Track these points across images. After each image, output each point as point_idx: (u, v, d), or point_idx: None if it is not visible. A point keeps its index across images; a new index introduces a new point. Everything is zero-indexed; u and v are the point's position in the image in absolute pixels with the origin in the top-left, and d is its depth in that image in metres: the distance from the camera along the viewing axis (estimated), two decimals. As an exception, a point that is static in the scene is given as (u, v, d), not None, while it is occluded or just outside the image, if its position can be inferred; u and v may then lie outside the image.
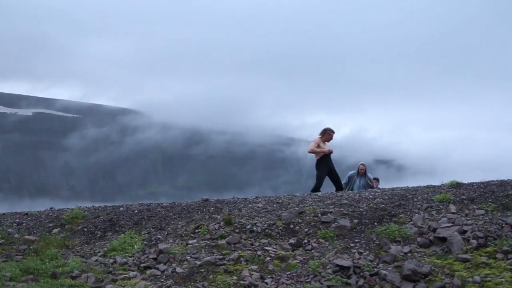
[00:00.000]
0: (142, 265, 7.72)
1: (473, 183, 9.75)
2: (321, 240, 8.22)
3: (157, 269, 7.58)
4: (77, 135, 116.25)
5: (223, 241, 8.16)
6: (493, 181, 9.70)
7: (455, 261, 7.30)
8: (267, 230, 8.48)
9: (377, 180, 15.42)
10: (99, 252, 8.34)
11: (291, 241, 8.19)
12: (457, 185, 9.71)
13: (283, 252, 7.84)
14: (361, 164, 14.89)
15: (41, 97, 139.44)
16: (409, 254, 7.63)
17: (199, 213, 9.43)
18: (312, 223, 8.61)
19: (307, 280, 7.10)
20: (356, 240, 8.12)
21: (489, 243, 7.55)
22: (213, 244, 8.13)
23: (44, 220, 9.95)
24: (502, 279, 6.77)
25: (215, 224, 8.70)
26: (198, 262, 7.56)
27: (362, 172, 14.60)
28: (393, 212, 8.78)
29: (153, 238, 8.66)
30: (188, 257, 7.75)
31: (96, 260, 8.00)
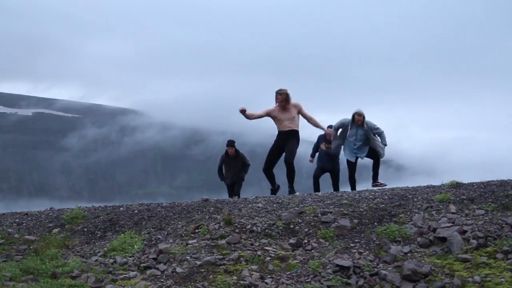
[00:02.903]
0: (142, 265, 7.72)
1: (473, 183, 9.75)
2: (321, 240, 8.22)
3: (157, 269, 7.58)
4: (77, 135, 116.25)
5: (223, 241, 8.16)
6: (493, 181, 9.69)
7: (455, 261, 7.30)
8: (267, 230, 8.48)
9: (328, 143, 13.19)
10: (99, 252, 8.34)
11: (291, 241, 8.19)
12: (457, 185, 9.71)
13: (283, 252, 7.84)
14: (357, 114, 12.30)
15: (41, 97, 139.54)
16: (409, 254, 7.63)
17: (199, 213, 9.43)
18: (312, 223, 8.61)
19: (307, 280, 7.10)
20: (356, 240, 8.12)
21: (489, 243, 7.54)
22: (213, 244, 8.13)
23: (44, 220, 9.95)
24: (502, 279, 6.77)
25: (215, 224, 8.70)
26: (198, 262, 7.56)
27: (359, 124, 12.31)
28: (393, 212, 8.78)
29: (153, 238, 8.66)
30: (188, 257, 7.75)
31: (96, 260, 8.00)
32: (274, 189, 11.88)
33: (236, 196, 13.55)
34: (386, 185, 12.32)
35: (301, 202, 9.47)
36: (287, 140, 11.48)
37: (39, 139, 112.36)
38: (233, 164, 13.80)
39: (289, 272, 7.32)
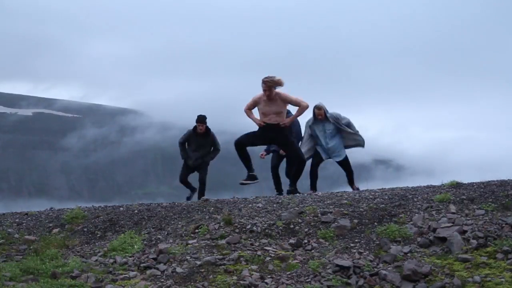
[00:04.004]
0: (142, 265, 7.72)
1: (473, 183, 9.74)
2: (321, 240, 8.22)
3: (157, 269, 7.58)
4: (77, 135, 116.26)
5: (223, 241, 8.16)
6: (493, 181, 9.68)
7: (455, 261, 7.30)
8: (267, 230, 8.48)
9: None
10: (99, 252, 8.34)
11: (291, 241, 8.18)
12: (457, 185, 9.71)
13: (283, 252, 7.84)
14: (316, 108, 11.17)
15: (41, 97, 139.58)
16: (409, 254, 7.63)
17: (199, 213, 9.43)
18: (312, 223, 8.60)
19: (307, 280, 7.11)
20: (356, 240, 8.12)
21: (489, 243, 7.55)
22: (213, 244, 8.13)
23: (44, 220, 9.95)
24: (502, 279, 6.77)
25: (215, 224, 8.70)
26: (198, 262, 7.56)
27: (320, 118, 11.22)
28: (393, 212, 8.78)
29: (153, 238, 8.66)
30: (188, 257, 7.75)
31: (96, 260, 8.00)
32: (254, 175, 10.65)
33: (200, 183, 12.55)
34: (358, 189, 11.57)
35: (301, 202, 9.47)
36: (275, 133, 10.37)
37: (39, 139, 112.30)
38: (201, 143, 12.38)
39: (289, 272, 7.32)
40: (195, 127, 12.39)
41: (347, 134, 11.46)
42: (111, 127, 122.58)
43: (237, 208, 9.38)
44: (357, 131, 11.50)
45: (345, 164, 11.74)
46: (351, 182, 11.98)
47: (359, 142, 11.59)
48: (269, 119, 10.39)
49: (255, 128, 10.79)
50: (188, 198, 12.37)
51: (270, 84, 10.08)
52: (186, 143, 12.66)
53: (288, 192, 11.10)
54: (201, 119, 12.30)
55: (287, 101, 10.37)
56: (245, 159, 10.63)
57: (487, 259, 7.24)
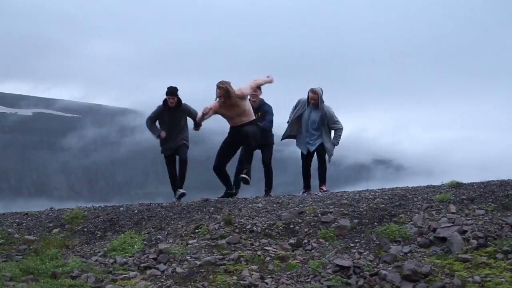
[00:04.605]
0: (142, 265, 7.72)
1: (473, 183, 9.74)
2: (321, 240, 8.22)
3: (157, 269, 7.58)
4: (77, 135, 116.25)
5: (223, 241, 8.16)
6: (493, 181, 9.68)
7: (455, 261, 7.31)
8: (267, 230, 8.48)
9: None
10: (99, 252, 8.34)
11: (291, 241, 8.19)
12: (457, 185, 9.71)
13: (283, 252, 7.85)
14: (311, 91, 10.38)
15: (41, 97, 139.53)
16: (409, 254, 7.63)
17: (199, 213, 9.42)
18: (312, 223, 8.61)
19: (307, 280, 7.11)
20: (356, 240, 8.13)
21: (489, 243, 7.55)
22: (213, 244, 8.13)
23: (44, 220, 9.95)
24: (502, 279, 6.78)
25: (215, 224, 8.70)
26: (198, 262, 7.56)
27: (313, 103, 10.40)
28: (393, 212, 8.78)
29: (153, 238, 8.66)
30: (188, 257, 7.75)
31: (96, 260, 8.00)
32: (232, 193, 10.41)
33: (182, 162, 11.97)
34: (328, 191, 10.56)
35: (301, 202, 9.47)
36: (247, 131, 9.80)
37: (39, 139, 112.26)
38: (174, 119, 11.04)
39: (289, 272, 7.32)
40: (165, 101, 10.98)
41: (325, 134, 10.63)
42: (111, 127, 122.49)
43: (237, 208, 9.38)
44: (335, 143, 10.74)
45: (319, 155, 10.85)
46: (321, 178, 10.91)
47: (327, 149, 10.73)
48: (235, 123, 9.99)
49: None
50: (180, 196, 11.42)
51: (225, 91, 9.49)
52: (158, 121, 11.31)
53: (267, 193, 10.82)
54: (172, 91, 10.85)
55: (245, 97, 9.80)
56: (224, 179, 10.38)
57: (487, 259, 7.25)
